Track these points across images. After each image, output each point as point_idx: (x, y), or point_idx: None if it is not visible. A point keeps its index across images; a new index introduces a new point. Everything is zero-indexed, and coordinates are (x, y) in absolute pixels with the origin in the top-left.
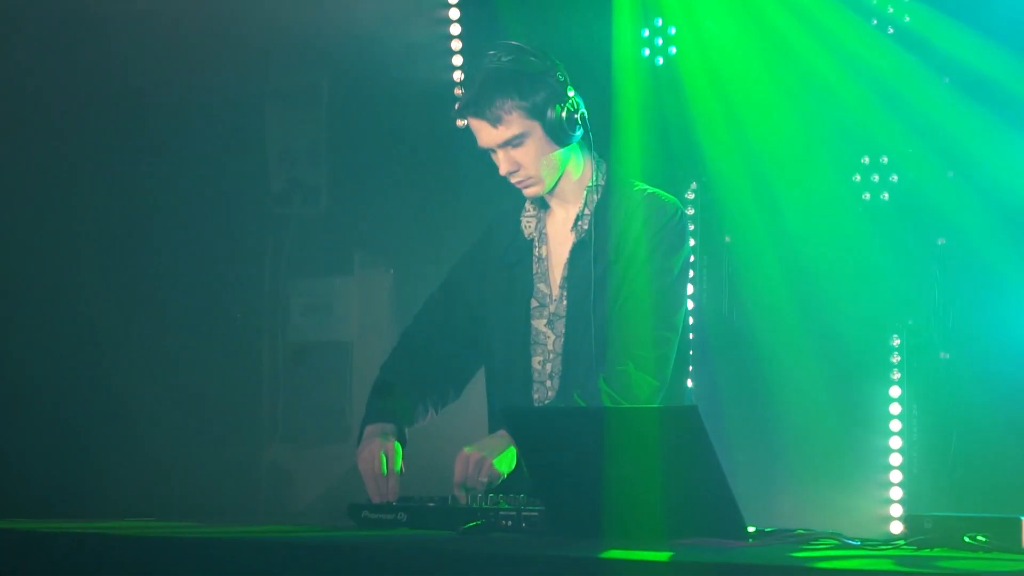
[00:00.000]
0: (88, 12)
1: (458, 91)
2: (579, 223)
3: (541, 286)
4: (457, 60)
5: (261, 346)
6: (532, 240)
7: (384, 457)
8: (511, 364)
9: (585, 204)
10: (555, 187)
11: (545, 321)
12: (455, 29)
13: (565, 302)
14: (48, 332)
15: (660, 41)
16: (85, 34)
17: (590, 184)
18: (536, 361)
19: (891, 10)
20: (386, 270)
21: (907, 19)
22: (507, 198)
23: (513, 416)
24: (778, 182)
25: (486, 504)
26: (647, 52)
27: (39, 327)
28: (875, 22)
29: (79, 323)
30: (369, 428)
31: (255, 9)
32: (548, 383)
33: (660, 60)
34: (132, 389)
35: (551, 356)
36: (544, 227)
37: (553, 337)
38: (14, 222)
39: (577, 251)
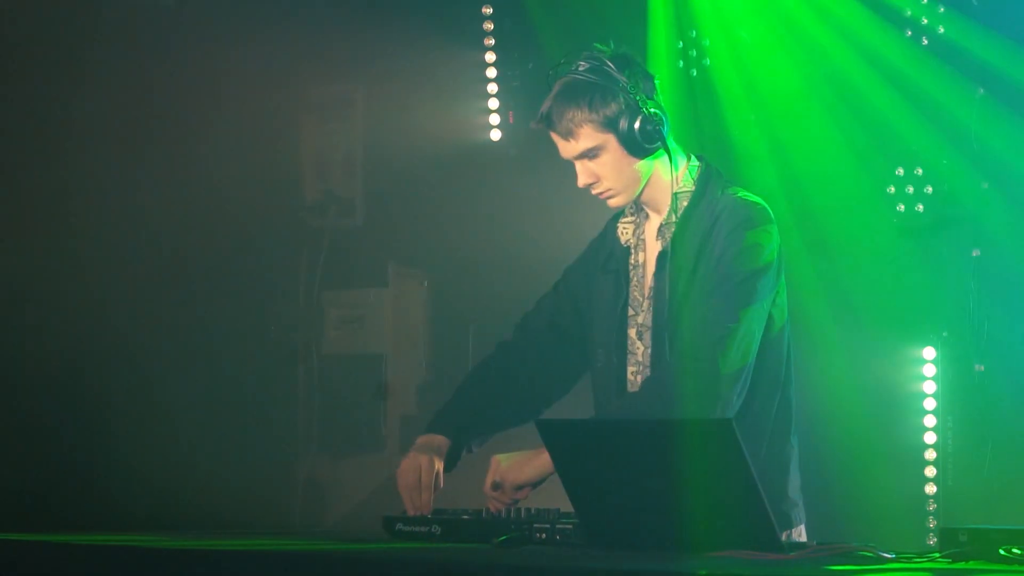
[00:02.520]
0: (123, 22)
1: (492, 103)
2: (663, 230)
3: (636, 294)
4: (491, 72)
5: (296, 358)
6: (629, 247)
7: (421, 470)
8: (609, 372)
9: (672, 211)
10: (643, 194)
11: (636, 331)
12: (489, 41)
13: (651, 312)
14: (87, 344)
15: (695, 53)
16: (121, 44)
17: (678, 190)
18: (630, 371)
19: (925, 21)
20: (420, 283)
21: (941, 30)
22: (543, 213)
23: (547, 429)
24: (813, 193)
25: (521, 517)
26: (682, 63)
27: (79, 339)
28: (910, 33)
29: (116, 335)
30: (421, 439)
31: (290, 20)
32: None
33: (695, 72)
34: (169, 401)
35: (641, 367)
36: (642, 233)
37: (643, 348)
38: (47, 237)
39: (662, 260)
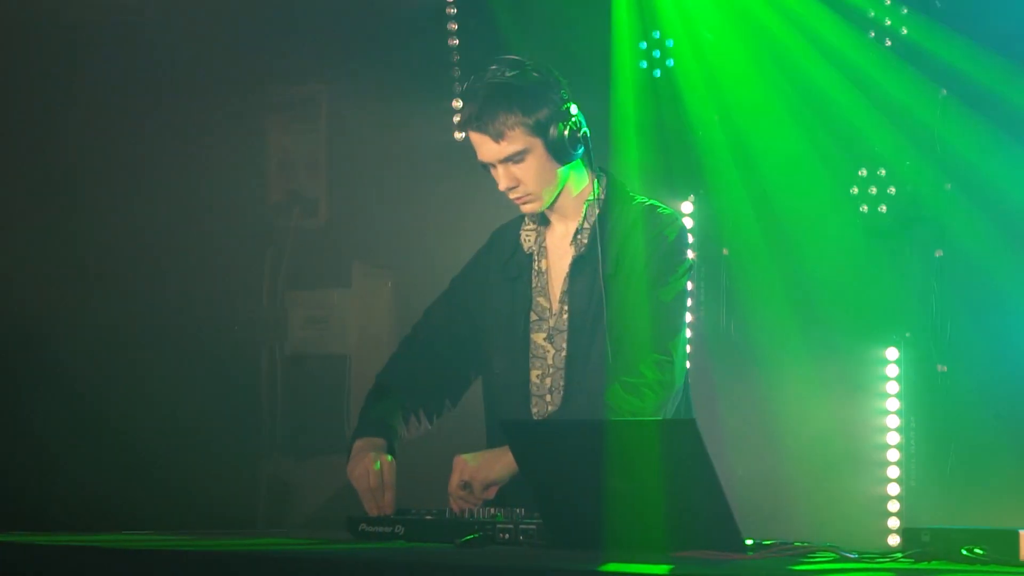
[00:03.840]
0: (89, 22)
1: (456, 103)
2: (578, 237)
3: (540, 300)
4: (456, 72)
5: (260, 358)
6: (532, 254)
7: (380, 470)
8: (510, 377)
9: (585, 218)
10: (555, 202)
11: (544, 335)
12: (454, 42)
13: (566, 316)
14: (47, 343)
15: (658, 53)
16: (85, 44)
17: (590, 198)
18: (535, 375)
19: (889, 22)
20: (384, 282)
21: (904, 31)
22: (506, 212)
23: (513, 429)
24: (776, 194)
25: (484, 517)
26: (645, 64)
27: (38, 337)
28: (873, 34)
29: (78, 334)
30: (359, 443)
31: (254, 21)
32: (548, 397)
33: (658, 72)
34: (130, 401)
35: (551, 370)
36: (544, 241)
37: (553, 351)
38: (10, 228)
39: (577, 265)
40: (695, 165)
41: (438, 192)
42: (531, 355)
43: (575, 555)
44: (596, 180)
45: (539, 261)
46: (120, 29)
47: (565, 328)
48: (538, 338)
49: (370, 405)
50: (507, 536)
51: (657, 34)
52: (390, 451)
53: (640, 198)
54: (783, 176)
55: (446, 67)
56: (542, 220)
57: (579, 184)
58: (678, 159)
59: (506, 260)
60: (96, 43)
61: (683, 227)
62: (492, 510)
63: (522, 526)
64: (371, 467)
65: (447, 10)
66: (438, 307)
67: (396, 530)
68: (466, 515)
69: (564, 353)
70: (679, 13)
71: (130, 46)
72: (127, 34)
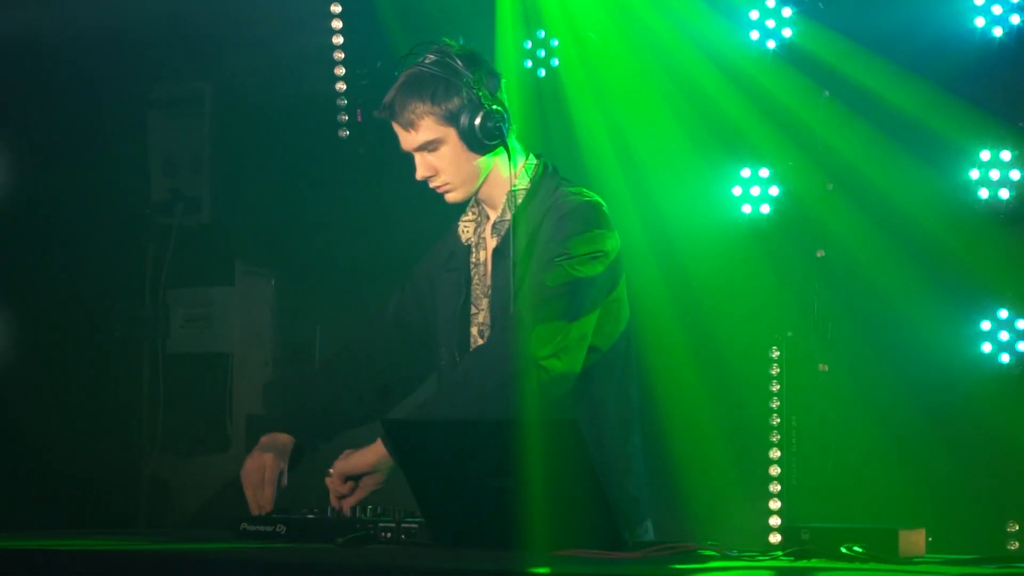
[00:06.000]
0: None
1: (341, 102)
2: (498, 227)
3: (478, 292)
4: (340, 71)
5: (141, 357)
6: (470, 245)
7: (262, 466)
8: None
9: (507, 207)
10: (481, 191)
11: (478, 329)
12: (338, 40)
13: (489, 311)
14: None
15: (543, 53)
16: None
17: (513, 187)
18: None
19: (772, 24)
20: (267, 280)
21: (787, 33)
22: (390, 211)
23: (392, 428)
24: (659, 194)
25: (366, 516)
26: (530, 64)
27: None
28: (756, 36)
29: None
30: (265, 438)
31: (138, 17)
32: None
33: (543, 72)
34: (9, 400)
35: None
36: (483, 232)
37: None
38: None
39: (497, 257)
40: (578, 165)
41: (322, 190)
42: (471, 349)
43: (457, 554)
44: (526, 167)
45: (476, 252)
46: (2, 20)
47: (490, 323)
48: (474, 331)
49: (304, 395)
50: (389, 535)
51: (542, 34)
52: (295, 452)
53: (568, 186)
54: (666, 176)
55: (330, 65)
56: (480, 210)
57: (507, 171)
58: (561, 158)
59: (450, 252)
60: None
61: (588, 210)
62: (379, 509)
63: (404, 525)
64: (258, 464)
65: (331, 8)
66: (395, 298)
67: (278, 529)
68: (348, 513)
69: None
70: (564, 13)
71: (10, 40)
72: (7, 27)
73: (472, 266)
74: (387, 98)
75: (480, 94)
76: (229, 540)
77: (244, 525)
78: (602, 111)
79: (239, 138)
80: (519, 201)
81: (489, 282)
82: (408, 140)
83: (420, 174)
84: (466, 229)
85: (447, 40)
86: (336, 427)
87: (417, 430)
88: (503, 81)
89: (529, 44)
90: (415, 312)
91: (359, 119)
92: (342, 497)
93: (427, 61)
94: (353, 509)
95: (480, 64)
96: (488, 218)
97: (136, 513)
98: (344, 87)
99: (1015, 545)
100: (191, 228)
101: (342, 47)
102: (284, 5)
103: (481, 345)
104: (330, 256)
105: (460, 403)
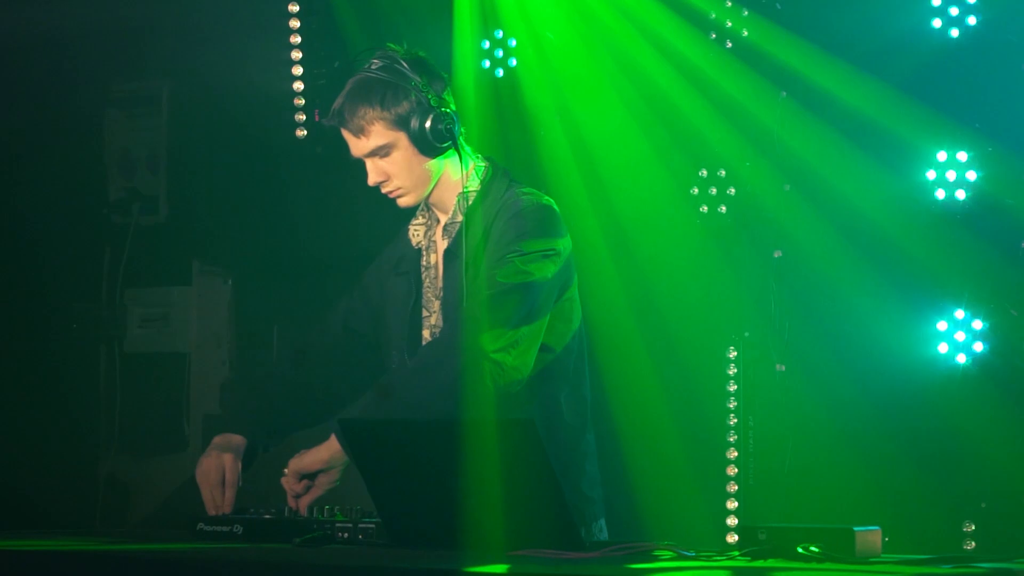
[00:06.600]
0: None
1: (299, 101)
2: (449, 229)
3: (430, 295)
4: (297, 70)
5: (98, 356)
6: (420, 248)
7: (221, 467)
8: None
9: (456, 211)
10: (432, 194)
11: (429, 332)
12: (296, 39)
13: (441, 313)
14: None
15: (500, 53)
16: None
17: (464, 190)
18: None
19: (729, 24)
20: (224, 281)
21: (745, 33)
22: (352, 212)
23: (349, 428)
24: (616, 194)
25: (323, 516)
26: (487, 64)
27: None
28: (714, 36)
29: None
30: (218, 438)
31: (95, 16)
32: None
33: (500, 72)
34: None
35: None
36: (433, 235)
37: None
38: None
39: (448, 257)
40: (536, 165)
41: (279, 190)
42: None
43: (413, 554)
44: (476, 170)
45: (427, 256)
46: None
47: (440, 324)
48: (426, 334)
49: (257, 395)
50: (346, 535)
51: (499, 33)
52: (247, 452)
53: (519, 188)
54: (624, 176)
55: (288, 65)
56: (430, 213)
57: (458, 174)
58: (519, 158)
59: (400, 256)
60: None
61: (540, 211)
62: (336, 509)
63: (361, 525)
64: (215, 464)
65: (289, 7)
66: (345, 300)
67: (235, 529)
68: (305, 512)
69: None
70: (521, 13)
71: None
72: None
73: (423, 269)
74: (335, 105)
75: (428, 97)
76: (186, 540)
77: (201, 525)
78: (560, 111)
79: (196, 137)
80: (470, 202)
81: (441, 284)
82: (359, 146)
83: (372, 180)
84: (416, 233)
85: (391, 45)
86: (287, 428)
87: (373, 429)
88: (448, 84)
89: (487, 44)
90: (364, 317)
91: (316, 119)
92: (298, 496)
93: (374, 67)
94: (310, 509)
95: (426, 68)
96: (439, 221)
97: (93, 513)
98: (302, 87)
99: (971, 545)
100: (148, 227)
101: (299, 47)
102: (242, 5)
103: (434, 339)
104: (287, 256)
105: (417, 389)
